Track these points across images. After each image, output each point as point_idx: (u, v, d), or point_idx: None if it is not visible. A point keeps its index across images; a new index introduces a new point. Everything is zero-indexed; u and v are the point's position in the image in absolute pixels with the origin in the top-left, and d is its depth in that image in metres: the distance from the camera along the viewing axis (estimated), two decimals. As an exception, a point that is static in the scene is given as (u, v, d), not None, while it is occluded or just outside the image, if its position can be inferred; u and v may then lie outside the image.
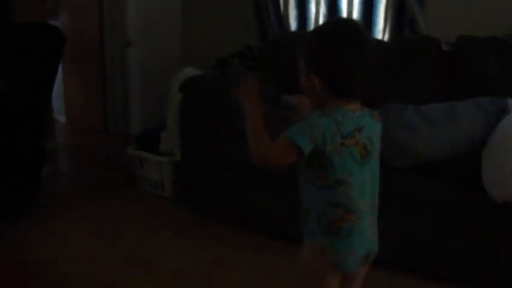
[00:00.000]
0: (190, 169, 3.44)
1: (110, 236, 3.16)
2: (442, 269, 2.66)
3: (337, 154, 1.50)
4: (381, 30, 3.97)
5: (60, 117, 6.01)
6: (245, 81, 1.79)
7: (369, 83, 1.54)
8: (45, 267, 2.79)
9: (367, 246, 1.63)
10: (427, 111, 2.62)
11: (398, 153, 2.53)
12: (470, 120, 2.53)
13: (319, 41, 1.55)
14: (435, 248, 2.63)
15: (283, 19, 4.37)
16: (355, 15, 4.04)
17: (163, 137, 3.76)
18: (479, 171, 2.43)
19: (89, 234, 3.18)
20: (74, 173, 4.61)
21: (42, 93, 3.42)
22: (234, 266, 2.85)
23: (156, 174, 3.79)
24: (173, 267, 2.82)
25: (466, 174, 2.49)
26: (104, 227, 3.28)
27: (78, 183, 4.20)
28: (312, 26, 4.25)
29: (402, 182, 2.62)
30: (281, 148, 1.51)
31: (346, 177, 1.53)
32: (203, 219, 3.42)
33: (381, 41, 3.83)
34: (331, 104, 1.54)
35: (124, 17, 5.12)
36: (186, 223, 3.40)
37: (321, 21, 4.20)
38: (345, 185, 1.53)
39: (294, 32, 4.29)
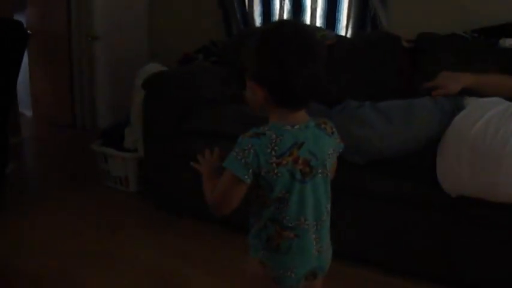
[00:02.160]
0: (154, 165, 3.44)
1: (74, 232, 3.15)
2: (398, 263, 2.71)
3: (274, 174, 1.43)
4: (344, 27, 4.01)
5: (26, 111, 5.98)
6: (209, 154, 1.71)
7: (314, 90, 1.44)
8: (7, 263, 2.78)
9: (310, 264, 1.58)
10: (384, 108, 2.65)
11: (355, 149, 2.55)
12: (427, 117, 2.57)
13: (259, 47, 1.44)
14: (392, 242, 2.68)
15: (248, 15, 4.39)
16: (319, 11, 4.08)
17: (127, 132, 3.76)
18: (435, 167, 2.48)
19: (53, 230, 3.17)
20: (39, 168, 4.57)
21: (4, 89, 3.40)
22: (197, 261, 2.87)
23: (121, 170, 3.79)
24: (137, 263, 2.83)
25: (423, 169, 2.53)
26: (68, 223, 3.27)
27: (43, 179, 4.17)
28: (276, 21, 4.27)
29: (359, 177, 2.66)
30: (224, 184, 1.48)
31: (284, 195, 1.47)
32: (167, 214, 3.43)
33: (344, 38, 3.87)
34: (274, 114, 1.47)
35: (91, 11, 5.11)
36: (150, 219, 3.41)
37: (285, 17, 4.22)
38: (283, 203, 1.47)
39: (258, 28, 4.31)
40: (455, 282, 2.62)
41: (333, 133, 1.55)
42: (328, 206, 1.57)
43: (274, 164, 1.42)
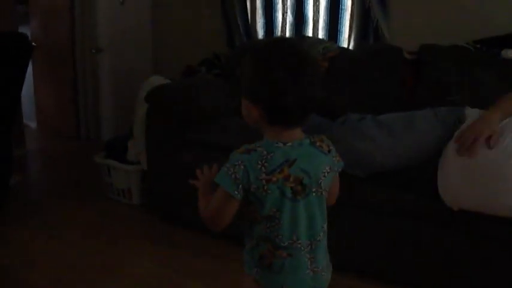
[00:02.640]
0: (157, 177, 3.45)
1: (76, 244, 3.17)
2: (399, 275, 2.71)
3: (264, 191, 1.42)
4: (346, 39, 4.01)
5: (31, 123, 5.99)
6: (208, 169, 1.67)
7: (308, 108, 1.42)
8: (8, 274, 2.79)
9: (304, 284, 1.55)
10: (386, 121, 2.66)
11: (357, 162, 2.56)
12: (428, 130, 2.57)
13: (251, 66, 1.43)
14: (393, 254, 2.67)
15: (250, 28, 4.40)
16: (321, 23, 4.08)
17: (130, 145, 3.77)
18: (436, 180, 2.48)
19: (56, 243, 3.18)
20: (43, 180, 4.59)
21: (8, 101, 3.42)
22: (201, 274, 2.87)
23: (124, 183, 3.79)
24: (140, 275, 2.85)
25: (424, 182, 2.53)
26: (70, 235, 3.28)
27: (46, 191, 4.19)
28: (278, 34, 4.30)
29: (360, 190, 2.66)
30: (216, 200, 1.48)
31: (275, 213, 1.45)
32: (170, 227, 3.43)
33: (346, 49, 3.88)
34: (268, 131, 1.46)
35: (95, 23, 5.13)
36: (153, 231, 3.42)
37: (287, 30, 4.25)
38: (274, 221, 1.46)
39: (261, 40, 4.33)
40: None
41: (329, 151, 1.52)
42: (325, 226, 1.55)
43: (264, 181, 1.41)
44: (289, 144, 1.44)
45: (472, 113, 2.60)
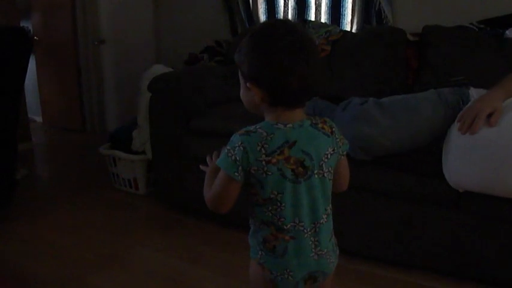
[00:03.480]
0: (162, 166, 3.44)
1: (85, 236, 3.16)
2: (410, 257, 2.69)
3: (264, 173, 1.41)
4: (349, 22, 3.99)
5: (36, 117, 6.01)
6: (216, 155, 1.63)
7: (309, 87, 1.40)
8: (20, 268, 2.78)
9: (308, 267, 1.53)
10: (388, 104, 2.63)
11: (361, 146, 2.54)
12: (431, 112, 2.54)
13: (251, 49, 1.42)
14: (399, 237, 2.66)
15: (252, 13, 4.38)
16: (324, 7, 4.06)
17: (135, 135, 3.77)
18: (441, 162, 2.46)
19: (64, 235, 3.17)
20: (50, 173, 4.59)
21: (11, 96, 3.41)
22: (209, 262, 2.86)
23: (130, 173, 3.80)
24: (148, 265, 2.83)
25: (429, 164, 2.51)
26: (78, 227, 3.28)
27: (53, 184, 4.19)
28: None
29: (364, 173, 2.64)
30: (218, 183, 1.48)
31: (276, 196, 1.44)
32: (177, 216, 3.43)
33: (349, 33, 3.84)
34: (269, 113, 1.46)
35: (96, 15, 5.12)
36: (160, 220, 3.41)
37: (290, 15, 4.22)
38: (276, 204, 1.45)
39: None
40: (463, 277, 2.61)
41: (332, 133, 1.50)
42: (328, 208, 1.53)
43: (263, 162, 1.40)
44: (290, 125, 1.43)
45: (476, 93, 2.58)
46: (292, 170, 1.43)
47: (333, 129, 1.51)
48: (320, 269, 1.55)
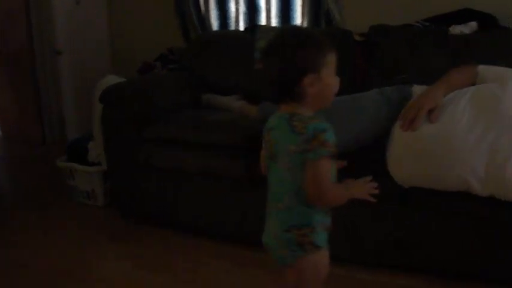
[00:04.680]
0: (118, 176, 3.45)
1: (43, 250, 3.14)
2: (359, 256, 2.76)
3: (264, 145, 1.75)
4: (298, 25, 4.03)
5: (-5, 131, 5.96)
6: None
7: (270, 87, 1.66)
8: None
9: (264, 235, 1.80)
10: (332, 104, 2.67)
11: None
12: (373, 111, 2.59)
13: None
14: (351, 236, 2.70)
15: (204, 20, 4.40)
16: (273, 11, 4.11)
17: (91, 146, 3.76)
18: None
19: (22, 249, 3.16)
20: (8, 187, 4.55)
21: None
22: (168, 270, 2.87)
23: (87, 185, 3.78)
24: (107, 275, 2.84)
25: (375, 162, 2.55)
26: (37, 241, 3.25)
27: (12, 199, 4.15)
28: (232, 25, 4.30)
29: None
30: None
31: (266, 170, 1.75)
32: (135, 225, 3.43)
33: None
34: None
35: (52, 26, 5.09)
36: (118, 230, 3.40)
37: (241, 20, 4.27)
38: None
39: (216, 32, 4.34)
40: (414, 270, 2.68)
41: (302, 133, 1.58)
42: (287, 200, 1.67)
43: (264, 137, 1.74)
44: (276, 114, 1.69)
45: (419, 90, 2.63)
46: (270, 151, 1.70)
47: (305, 130, 1.59)
48: (265, 241, 1.79)
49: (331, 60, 1.63)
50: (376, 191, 1.82)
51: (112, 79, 3.72)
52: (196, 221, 3.20)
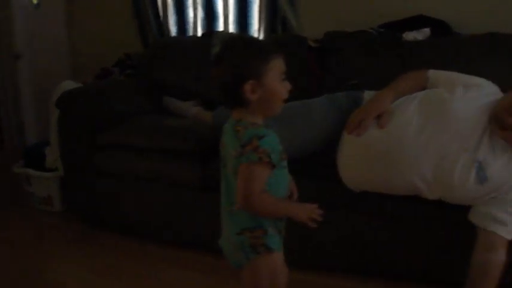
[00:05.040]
0: (74, 182, 3.45)
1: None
2: (312, 259, 2.80)
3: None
4: (256, 31, 4.07)
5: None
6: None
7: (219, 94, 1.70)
8: None
9: (220, 242, 1.84)
10: (282, 109, 2.70)
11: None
12: (324, 116, 2.62)
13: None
14: (305, 240, 2.72)
15: (163, 25, 4.41)
16: (231, 17, 4.13)
17: (48, 151, 3.74)
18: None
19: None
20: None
21: None
22: (122, 275, 2.87)
23: (44, 190, 3.76)
24: (63, 281, 2.83)
25: (327, 167, 2.59)
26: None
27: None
28: (191, 30, 4.32)
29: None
30: None
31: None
32: (92, 230, 3.42)
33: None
34: None
35: (10, 30, 5.05)
36: (74, 236, 3.40)
37: (199, 25, 4.29)
38: None
39: (174, 37, 4.35)
40: (367, 273, 2.75)
41: (241, 139, 1.62)
42: (233, 208, 1.72)
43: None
44: (228, 120, 1.73)
45: (369, 96, 2.67)
46: (222, 155, 1.76)
47: (245, 137, 1.63)
48: (223, 250, 1.84)
49: (276, 66, 1.66)
50: (319, 219, 1.80)
51: (69, 84, 3.71)
52: (152, 227, 3.21)
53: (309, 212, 1.77)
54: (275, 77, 1.66)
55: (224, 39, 3.64)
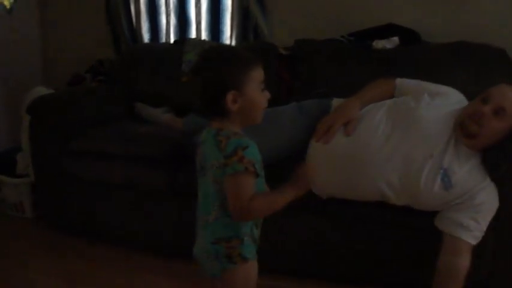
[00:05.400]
0: (45, 188, 3.44)
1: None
2: (280, 265, 2.82)
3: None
4: (228, 38, 4.10)
5: None
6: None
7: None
8: None
9: (195, 250, 1.82)
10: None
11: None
12: (293, 124, 2.66)
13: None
14: (273, 245, 2.74)
15: (136, 32, 4.42)
16: (204, 24, 4.15)
17: (19, 158, 3.73)
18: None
19: None
20: None
21: None
22: (92, 283, 2.87)
23: (15, 197, 3.74)
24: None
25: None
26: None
27: None
28: (163, 37, 4.34)
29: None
30: None
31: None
32: (62, 236, 3.41)
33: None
34: None
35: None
36: (45, 242, 3.38)
37: (172, 32, 4.31)
38: None
39: (146, 44, 4.36)
40: (335, 279, 2.78)
41: (224, 149, 1.63)
42: (213, 213, 1.72)
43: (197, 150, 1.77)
44: (207, 129, 1.72)
45: (338, 103, 2.72)
46: (199, 163, 1.75)
47: (226, 147, 1.63)
48: (197, 258, 1.82)
49: (256, 76, 1.67)
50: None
51: (40, 90, 3.72)
52: (123, 233, 3.22)
53: (304, 184, 1.81)
54: (255, 86, 1.67)
55: (204, 48, 3.66)
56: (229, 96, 1.62)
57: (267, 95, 1.73)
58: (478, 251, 2.33)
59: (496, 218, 2.34)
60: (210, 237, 1.73)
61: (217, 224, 1.71)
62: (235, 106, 1.64)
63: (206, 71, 1.64)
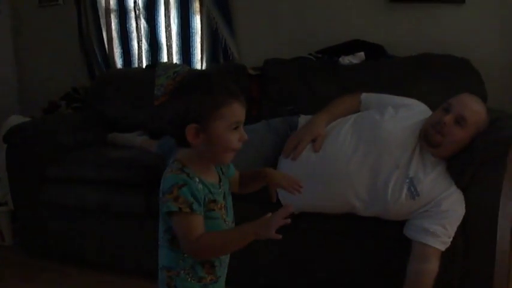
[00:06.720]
0: (24, 216, 3.49)
1: None
2: (253, 278, 2.88)
3: None
4: (198, 61, 4.19)
5: None
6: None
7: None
8: None
9: None
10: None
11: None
12: (261, 141, 2.72)
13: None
14: (247, 261, 2.75)
15: (109, 58, 4.49)
16: (174, 48, 4.25)
17: (-3, 186, 3.78)
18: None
19: None
20: None
21: None
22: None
23: (-6, 225, 3.78)
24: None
25: (263, 190, 2.66)
26: None
27: None
28: (136, 61, 4.42)
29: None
30: None
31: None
32: (42, 263, 3.43)
33: (195, 70, 3.96)
34: None
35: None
36: (25, 269, 3.40)
37: (144, 57, 4.40)
38: None
39: (119, 69, 4.43)
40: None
41: (162, 184, 1.55)
42: (160, 242, 1.67)
43: None
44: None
45: (305, 120, 2.79)
46: None
47: (166, 181, 1.54)
48: None
49: (226, 114, 1.53)
50: (288, 221, 1.55)
51: (16, 119, 3.76)
52: (102, 258, 3.26)
53: (269, 225, 1.53)
54: (223, 124, 1.53)
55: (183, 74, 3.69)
56: (190, 130, 1.51)
57: (241, 135, 1.59)
58: (448, 255, 2.39)
59: (464, 223, 2.40)
60: (159, 262, 1.68)
61: (161, 250, 1.66)
62: (196, 140, 1.52)
63: (176, 98, 1.57)
